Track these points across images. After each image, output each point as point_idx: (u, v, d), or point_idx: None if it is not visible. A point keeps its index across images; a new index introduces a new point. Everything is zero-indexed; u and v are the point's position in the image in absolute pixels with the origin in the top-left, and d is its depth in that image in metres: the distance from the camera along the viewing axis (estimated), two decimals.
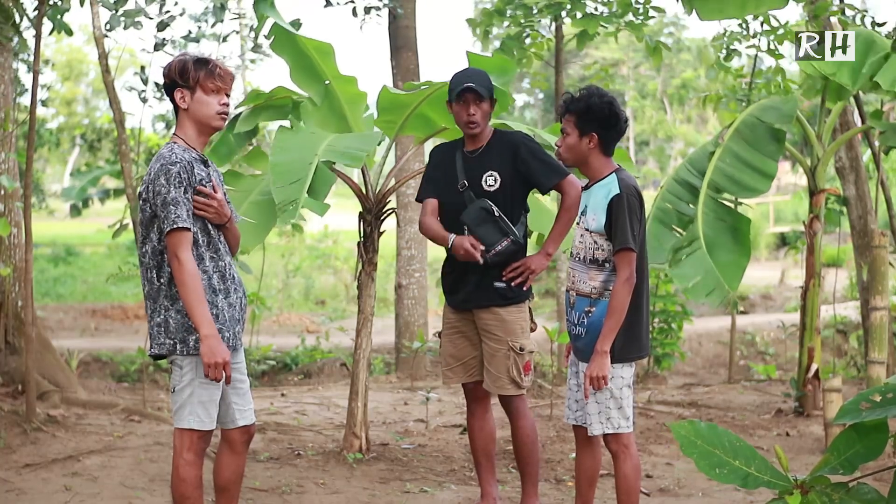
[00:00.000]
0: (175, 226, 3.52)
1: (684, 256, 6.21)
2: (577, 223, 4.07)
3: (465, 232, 4.45)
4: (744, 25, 8.17)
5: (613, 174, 3.94)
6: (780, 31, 7.98)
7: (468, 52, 5.39)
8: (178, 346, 3.61)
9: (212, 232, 3.67)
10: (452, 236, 4.46)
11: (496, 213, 4.41)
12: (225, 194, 3.81)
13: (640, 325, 3.96)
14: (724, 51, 8.38)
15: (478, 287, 4.51)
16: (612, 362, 3.90)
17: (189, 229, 3.55)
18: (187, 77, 3.64)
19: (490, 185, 4.48)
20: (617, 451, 3.99)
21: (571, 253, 4.10)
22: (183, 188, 3.56)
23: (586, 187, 4.05)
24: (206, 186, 3.64)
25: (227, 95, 3.72)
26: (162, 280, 3.62)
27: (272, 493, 4.99)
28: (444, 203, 4.61)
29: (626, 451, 3.98)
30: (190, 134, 3.71)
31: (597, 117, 3.89)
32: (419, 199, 4.70)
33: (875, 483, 2.93)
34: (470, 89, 4.47)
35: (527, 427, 4.61)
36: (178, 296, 3.58)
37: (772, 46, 7.99)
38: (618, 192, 3.87)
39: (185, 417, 3.63)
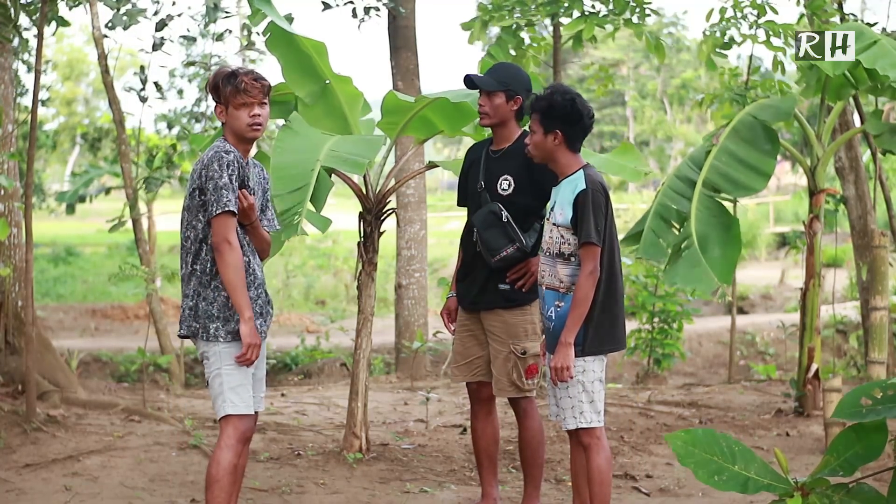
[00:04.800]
0: (226, 208, 3.78)
1: (678, 260, 6.22)
2: (547, 218, 4.14)
3: (474, 234, 4.48)
4: (738, 14, 7.99)
5: (581, 170, 4.03)
6: (769, 18, 7.84)
7: (481, 60, 5.44)
8: (201, 332, 3.87)
9: (237, 230, 3.88)
10: (452, 293, 4.72)
11: (504, 219, 4.39)
12: (269, 200, 4.11)
13: (612, 319, 4.04)
14: (721, 35, 8.13)
15: (483, 289, 4.53)
16: (583, 355, 3.99)
17: (235, 214, 3.81)
18: (218, 94, 3.91)
19: (504, 189, 4.48)
20: (589, 444, 4.07)
21: (542, 247, 4.16)
22: (234, 176, 3.82)
23: (555, 183, 4.12)
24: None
25: (262, 105, 3.93)
26: (196, 266, 3.89)
27: (272, 493, 5.00)
28: (466, 202, 4.68)
29: (598, 443, 4.07)
30: (232, 140, 3.95)
31: (559, 114, 3.99)
32: (458, 203, 4.81)
33: (875, 484, 2.93)
34: (468, 80, 4.53)
35: (533, 429, 4.61)
36: (208, 284, 3.87)
37: (768, 38, 7.87)
38: (584, 187, 3.96)
39: (221, 406, 3.87)
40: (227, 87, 3.88)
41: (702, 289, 6.12)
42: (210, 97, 4.05)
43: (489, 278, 4.50)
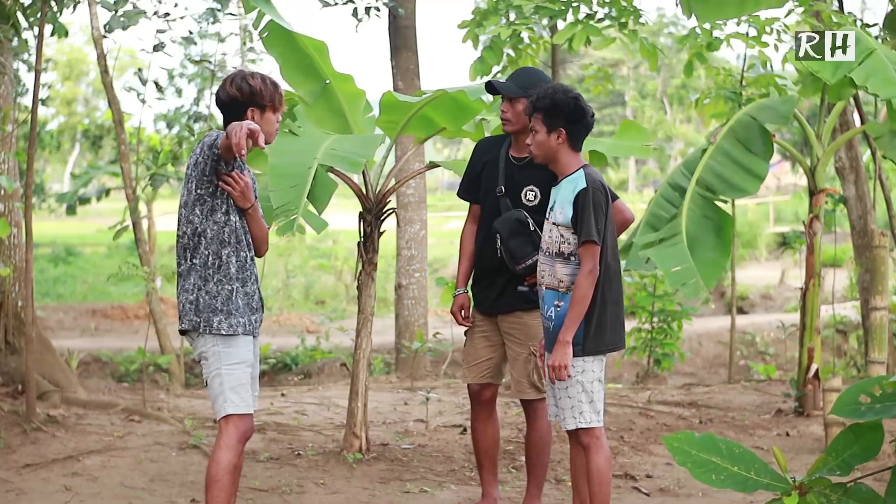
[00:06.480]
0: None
1: (665, 246, 6.15)
2: (547, 218, 4.13)
3: (497, 240, 4.45)
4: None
5: (581, 170, 4.03)
6: (760, 16, 7.75)
7: (472, 65, 5.42)
8: (203, 325, 3.88)
9: (237, 223, 3.91)
10: (460, 290, 4.65)
11: (531, 227, 4.38)
12: (256, 198, 4.08)
13: (611, 319, 4.03)
14: (707, 36, 7.98)
15: (503, 292, 4.52)
16: (582, 355, 3.99)
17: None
18: (264, 98, 3.91)
19: (530, 200, 4.45)
20: (589, 444, 4.07)
21: (541, 247, 4.15)
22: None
23: (555, 183, 4.12)
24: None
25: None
26: (195, 261, 3.90)
27: (272, 493, 5.00)
28: (477, 199, 4.65)
29: (598, 443, 4.07)
30: None
31: (563, 112, 3.99)
32: (458, 195, 4.77)
33: (874, 484, 2.93)
34: (490, 86, 4.53)
35: (542, 429, 4.61)
36: (211, 277, 3.88)
37: (759, 35, 7.80)
38: (584, 186, 3.96)
39: (222, 406, 3.87)
40: (276, 92, 3.95)
41: (689, 290, 6.06)
42: (214, 96, 4.05)
43: (509, 282, 4.49)
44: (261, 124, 3.89)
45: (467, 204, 4.77)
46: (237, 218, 3.92)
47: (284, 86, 5.65)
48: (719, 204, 6.55)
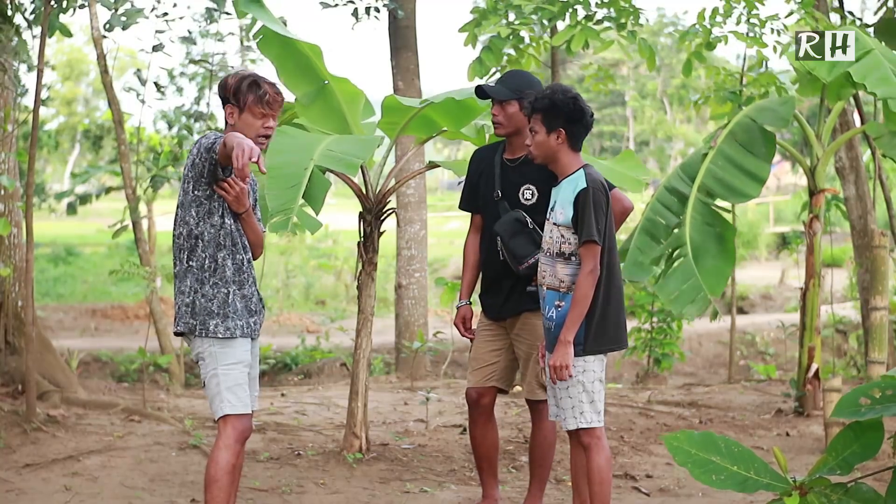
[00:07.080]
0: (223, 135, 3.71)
1: (670, 270, 6.18)
2: (547, 218, 4.13)
3: (498, 242, 4.45)
4: (726, 9, 7.82)
5: (581, 170, 4.04)
6: (755, 13, 7.71)
7: (470, 66, 5.41)
8: (199, 328, 3.87)
9: (232, 227, 3.91)
10: (463, 302, 4.67)
11: (530, 226, 4.38)
12: (256, 202, 4.10)
13: (612, 318, 4.04)
14: (706, 35, 7.92)
15: (508, 297, 4.52)
16: (583, 355, 3.99)
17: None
18: (238, 97, 3.89)
19: (527, 199, 4.46)
20: (590, 444, 4.07)
21: (542, 247, 4.15)
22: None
23: (555, 183, 4.12)
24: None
25: (274, 118, 3.97)
26: (191, 263, 3.90)
27: (272, 493, 5.00)
28: (478, 208, 4.66)
29: (598, 443, 4.07)
30: None
31: (562, 112, 3.99)
32: (460, 207, 4.78)
33: (874, 484, 2.93)
34: (480, 90, 4.54)
35: (547, 429, 4.63)
36: (207, 280, 3.87)
37: (758, 36, 7.77)
38: (584, 186, 3.97)
39: (219, 406, 3.88)
40: (250, 94, 3.89)
41: (694, 311, 6.07)
42: (214, 95, 4.07)
43: (514, 286, 4.49)
44: (238, 123, 3.89)
45: None
46: (232, 220, 3.92)
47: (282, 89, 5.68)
48: (720, 210, 6.55)
